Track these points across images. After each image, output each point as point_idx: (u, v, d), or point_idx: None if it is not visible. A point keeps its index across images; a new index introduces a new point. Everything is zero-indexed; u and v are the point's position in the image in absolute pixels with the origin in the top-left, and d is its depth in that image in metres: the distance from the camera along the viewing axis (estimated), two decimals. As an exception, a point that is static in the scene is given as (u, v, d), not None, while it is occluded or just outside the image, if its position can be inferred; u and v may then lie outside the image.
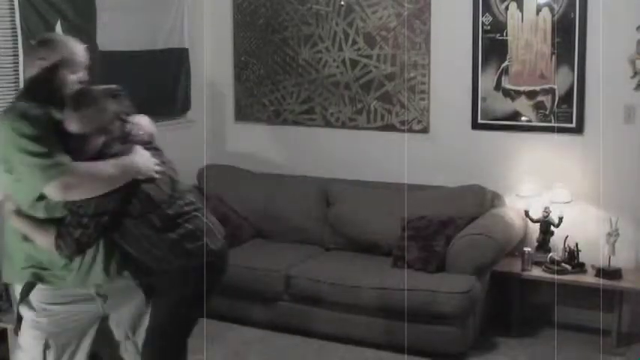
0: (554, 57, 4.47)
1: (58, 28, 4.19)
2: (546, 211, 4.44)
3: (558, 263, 4.32)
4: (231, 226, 4.87)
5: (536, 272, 4.38)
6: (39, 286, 2.62)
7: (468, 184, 4.65)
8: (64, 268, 2.57)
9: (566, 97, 4.47)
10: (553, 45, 4.46)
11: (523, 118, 4.61)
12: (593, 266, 4.32)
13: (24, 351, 2.67)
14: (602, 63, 4.30)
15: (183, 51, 5.31)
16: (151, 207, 2.55)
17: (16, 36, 4.05)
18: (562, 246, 4.40)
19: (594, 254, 4.33)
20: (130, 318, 2.77)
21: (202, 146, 5.17)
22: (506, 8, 4.55)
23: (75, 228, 2.45)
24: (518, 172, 4.64)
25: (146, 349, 2.73)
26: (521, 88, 4.58)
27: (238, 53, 5.50)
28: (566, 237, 4.39)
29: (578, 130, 4.48)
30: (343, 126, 5.18)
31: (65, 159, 2.40)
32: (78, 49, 2.65)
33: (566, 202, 4.43)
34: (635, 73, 4.27)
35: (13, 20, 4.05)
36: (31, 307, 2.64)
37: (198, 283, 2.66)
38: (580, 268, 4.34)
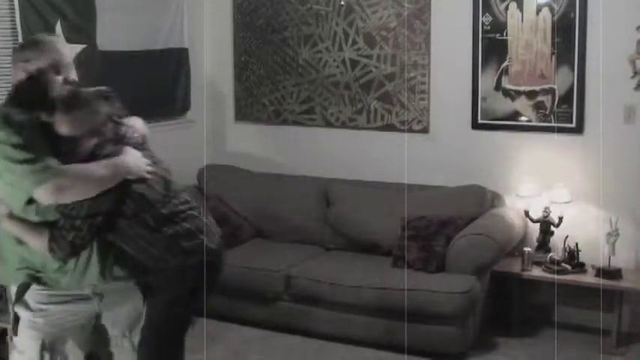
0: (554, 57, 4.47)
1: (58, 28, 4.20)
2: (546, 211, 4.44)
3: (558, 263, 4.32)
4: (231, 226, 4.88)
5: (536, 272, 4.38)
6: (35, 287, 2.62)
7: (468, 184, 4.65)
8: (58, 270, 2.56)
9: (566, 97, 4.47)
10: (553, 45, 4.46)
11: (523, 118, 4.61)
12: (593, 266, 4.32)
13: (20, 352, 2.66)
14: (602, 63, 4.30)
15: (183, 51, 5.31)
16: (145, 207, 2.55)
17: (16, 36, 4.06)
18: (562, 246, 4.40)
19: (594, 254, 4.33)
20: (127, 316, 2.76)
21: (202, 146, 5.17)
22: (506, 8, 4.55)
23: (68, 230, 2.44)
24: (518, 172, 4.64)
25: (142, 348, 2.73)
26: (521, 88, 4.58)
27: (238, 53, 5.50)
28: (566, 237, 4.39)
29: (578, 130, 4.48)
30: (343, 126, 5.18)
31: (53, 162, 2.38)
32: (64, 51, 2.63)
33: (566, 202, 4.43)
34: (635, 73, 4.27)
35: (13, 20, 4.05)
36: (27, 307, 2.63)
37: (194, 282, 2.66)
38: (580, 268, 4.34)
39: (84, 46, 4.37)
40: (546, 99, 4.53)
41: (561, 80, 4.47)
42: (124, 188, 2.50)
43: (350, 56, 5.08)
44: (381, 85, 5.00)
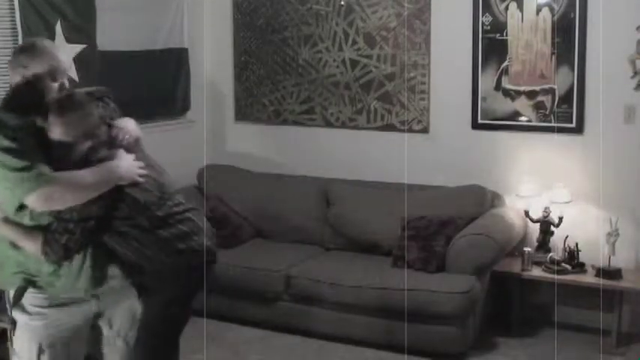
0: (554, 57, 4.47)
1: (58, 28, 4.19)
2: (546, 211, 4.44)
3: (558, 263, 4.32)
4: (231, 226, 4.88)
5: (536, 272, 4.38)
6: (31, 290, 2.62)
7: (468, 184, 4.65)
8: (52, 274, 2.56)
9: (566, 97, 4.47)
10: (553, 45, 4.46)
11: (523, 118, 4.61)
12: (593, 266, 4.32)
13: (19, 356, 2.67)
14: (602, 63, 4.30)
15: (182, 51, 5.31)
16: (139, 210, 2.55)
17: (16, 36, 4.05)
18: (562, 246, 4.40)
19: (594, 254, 4.33)
20: (122, 316, 2.77)
21: (202, 146, 5.18)
22: (506, 8, 4.55)
23: (61, 234, 2.45)
24: (518, 172, 4.64)
25: (138, 348, 2.74)
26: (521, 88, 4.58)
27: (238, 53, 5.50)
28: (566, 237, 4.39)
29: (578, 130, 4.48)
30: (343, 126, 5.18)
31: (45, 169, 2.38)
32: (61, 57, 2.62)
33: (566, 202, 4.43)
34: (635, 73, 4.27)
35: (13, 20, 4.05)
36: (24, 310, 2.63)
37: (189, 282, 2.67)
38: (580, 268, 4.34)
39: (84, 46, 4.36)
40: (546, 99, 4.53)
41: (561, 80, 4.47)
42: (117, 193, 2.50)
43: (350, 56, 5.08)
44: (381, 85, 5.00)
